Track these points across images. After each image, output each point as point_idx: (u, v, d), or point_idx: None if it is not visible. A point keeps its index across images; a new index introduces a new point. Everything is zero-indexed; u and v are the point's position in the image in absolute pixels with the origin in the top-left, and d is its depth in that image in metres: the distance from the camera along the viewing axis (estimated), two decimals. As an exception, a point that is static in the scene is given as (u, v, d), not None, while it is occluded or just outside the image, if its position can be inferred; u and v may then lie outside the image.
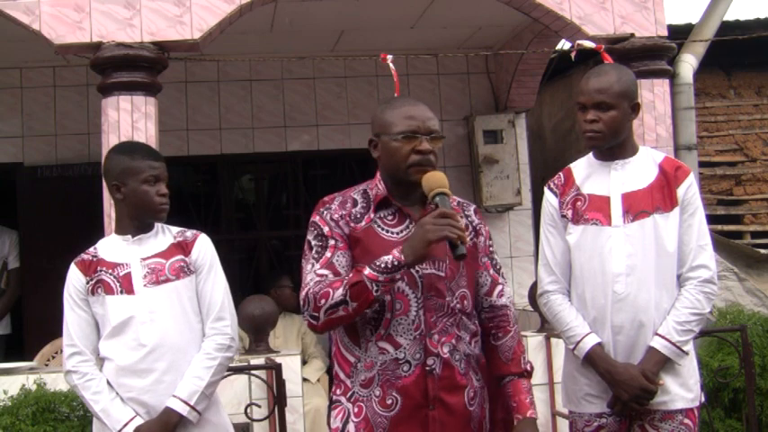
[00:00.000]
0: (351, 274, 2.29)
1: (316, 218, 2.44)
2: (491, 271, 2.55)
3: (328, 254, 2.37)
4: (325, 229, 2.40)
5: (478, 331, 2.49)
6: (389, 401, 2.34)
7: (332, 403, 2.45)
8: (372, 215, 2.42)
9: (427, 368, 2.34)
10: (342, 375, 2.43)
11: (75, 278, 2.86)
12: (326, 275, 2.33)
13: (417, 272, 2.35)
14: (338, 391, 2.43)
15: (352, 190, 2.49)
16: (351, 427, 2.36)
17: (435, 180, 2.35)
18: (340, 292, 2.26)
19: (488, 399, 2.49)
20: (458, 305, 2.41)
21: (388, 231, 2.41)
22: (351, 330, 2.39)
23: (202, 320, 2.89)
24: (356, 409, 2.37)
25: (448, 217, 2.25)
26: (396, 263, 2.24)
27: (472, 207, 2.59)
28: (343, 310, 2.26)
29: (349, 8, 5.74)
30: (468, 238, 2.34)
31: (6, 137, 6.50)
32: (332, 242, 2.38)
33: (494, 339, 2.53)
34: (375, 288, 2.23)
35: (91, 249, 2.95)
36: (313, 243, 2.41)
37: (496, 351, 2.52)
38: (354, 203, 2.44)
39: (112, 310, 2.81)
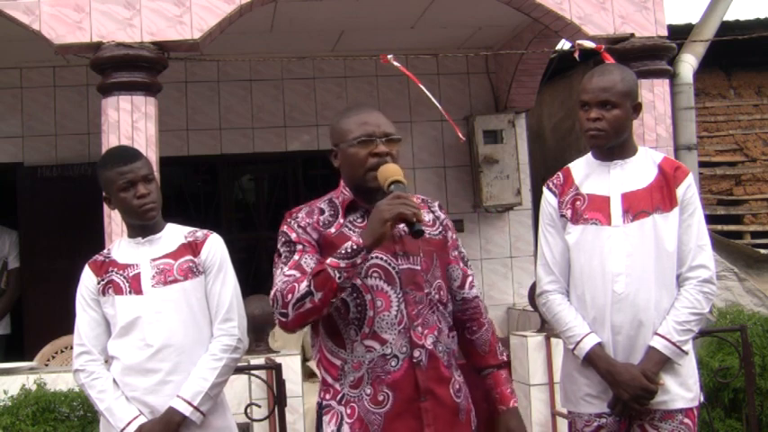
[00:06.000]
0: (314, 266, 2.34)
1: (284, 227, 2.50)
2: (461, 264, 2.64)
3: (296, 257, 2.42)
4: (293, 236, 2.46)
5: (453, 325, 2.55)
6: (381, 398, 2.38)
7: (322, 408, 2.46)
8: (342, 220, 2.48)
9: (414, 360, 2.39)
10: (329, 380, 2.46)
11: (87, 279, 2.89)
12: (294, 275, 2.38)
13: (394, 268, 2.42)
14: (327, 396, 2.46)
15: (318, 201, 2.56)
16: (345, 428, 2.39)
17: (390, 171, 2.41)
18: (304, 284, 2.30)
19: (470, 393, 2.56)
20: (436, 296, 2.48)
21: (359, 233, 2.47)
22: (334, 334, 2.44)
23: (211, 321, 2.89)
24: (349, 411, 2.40)
25: (402, 197, 2.31)
26: (354, 247, 2.29)
27: (437, 203, 2.67)
28: (309, 302, 2.30)
29: (349, 8, 5.74)
30: (425, 218, 2.39)
31: (6, 137, 6.50)
32: (299, 246, 2.44)
33: (469, 333, 2.62)
34: (338, 275, 2.27)
35: (104, 251, 2.99)
36: (282, 250, 2.47)
37: (473, 344, 2.62)
38: (321, 212, 2.51)
39: (121, 310, 2.82)
